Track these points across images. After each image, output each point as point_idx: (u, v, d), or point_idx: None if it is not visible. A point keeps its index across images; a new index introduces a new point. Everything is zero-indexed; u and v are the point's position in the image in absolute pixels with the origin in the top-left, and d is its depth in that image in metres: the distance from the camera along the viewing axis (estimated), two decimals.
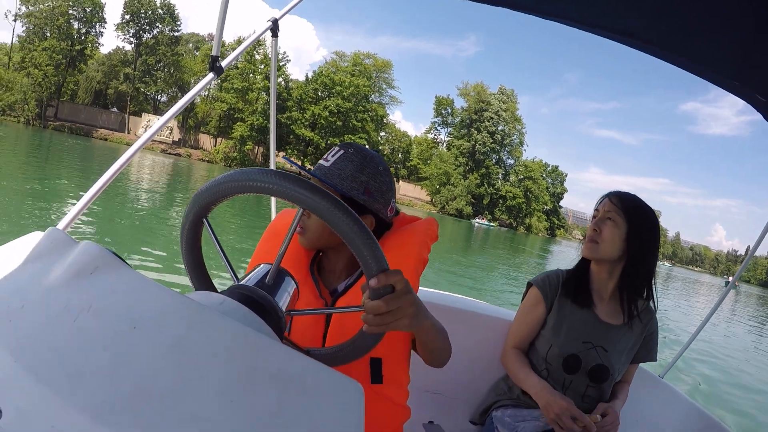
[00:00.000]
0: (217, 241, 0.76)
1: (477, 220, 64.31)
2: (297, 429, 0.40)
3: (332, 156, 1.10)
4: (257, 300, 0.63)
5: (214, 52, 1.70)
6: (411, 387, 1.26)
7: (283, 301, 0.69)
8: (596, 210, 1.62)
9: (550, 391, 1.51)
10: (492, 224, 64.77)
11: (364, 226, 0.68)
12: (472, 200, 64.25)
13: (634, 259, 1.56)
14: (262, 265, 0.74)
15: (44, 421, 0.37)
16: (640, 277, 1.58)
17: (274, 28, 2.04)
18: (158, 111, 60.77)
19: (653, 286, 1.62)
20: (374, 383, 1.08)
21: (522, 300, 1.75)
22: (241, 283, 0.69)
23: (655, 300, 1.65)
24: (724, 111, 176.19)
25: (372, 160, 1.11)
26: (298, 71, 58.49)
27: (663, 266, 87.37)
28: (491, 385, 1.82)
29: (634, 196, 1.62)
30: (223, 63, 1.70)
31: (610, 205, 1.57)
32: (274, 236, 1.20)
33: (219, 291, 0.67)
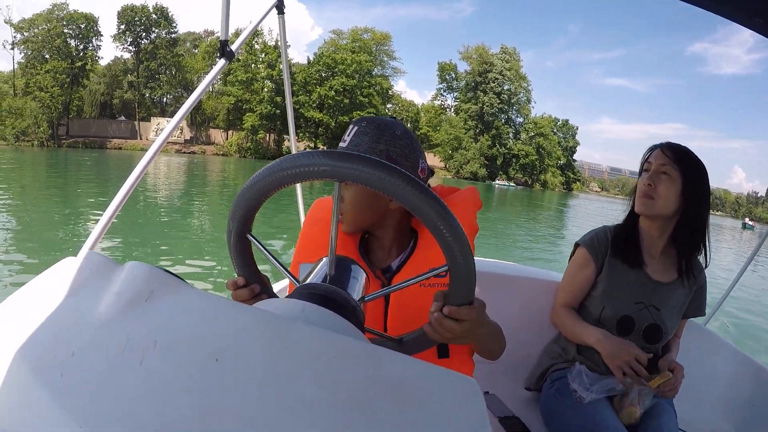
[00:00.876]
0: (266, 250, 0.74)
1: (497, 182, 64.93)
2: None
3: (348, 135, 1.09)
4: (333, 298, 0.59)
5: (222, 37, 1.67)
6: None
7: (356, 291, 0.65)
8: (647, 162, 1.57)
9: (613, 339, 1.52)
10: (511, 185, 65.35)
11: (469, 250, 0.67)
12: (486, 162, 64.79)
13: (688, 214, 1.53)
14: (324, 259, 0.69)
15: None
16: (694, 232, 1.55)
17: (280, 5, 2.03)
18: (165, 113, 62.02)
19: (707, 239, 1.58)
20: (441, 358, 1.10)
21: (570, 260, 1.73)
22: (309, 281, 0.65)
23: (708, 254, 1.61)
24: (734, 50, 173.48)
25: (387, 127, 1.08)
26: (296, 54, 59.55)
27: None
28: (543, 350, 1.80)
29: (686, 147, 1.56)
30: (233, 47, 1.68)
31: (664, 158, 1.52)
32: (313, 227, 1.19)
33: (287, 294, 0.65)
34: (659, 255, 1.61)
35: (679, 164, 1.50)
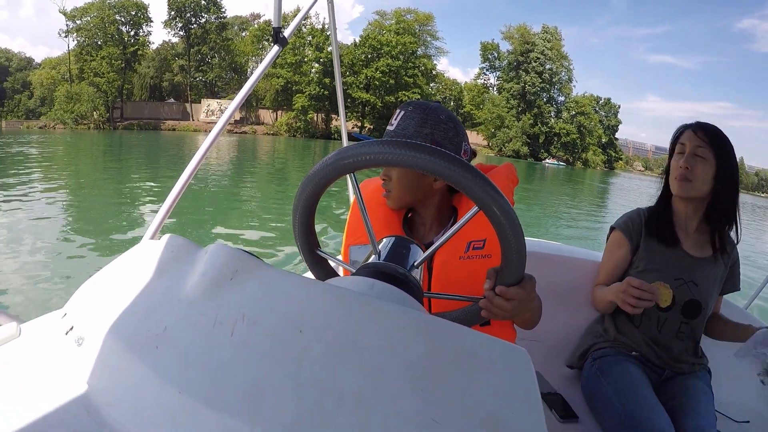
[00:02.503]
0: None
1: (547, 161, 66.99)
2: (485, 404, 0.41)
3: (395, 119, 1.16)
4: (395, 275, 0.66)
5: (275, 24, 1.74)
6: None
7: (409, 262, 0.72)
8: (680, 144, 1.61)
9: (614, 285, 1.59)
10: (561, 163, 67.09)
11: (521, 233, 0.71)
12: (528, 140, 66.66)
13: (721, 193, 1.60)
14: (385, 239, 0.77)
15: None
16: (727, 210, 1.62)
17: None
18: (215, 95, 65.66)
19: (738, 215, 1.65)
20: (483, 325, 1.15)
21: (606, 243, 1.80)
22: (372, 260, 0.73)
23: (739, 229, 1.68)
24: None
25: (433, 112, 1.15)
26: (339, 33, 62.85)
27: None
28: (586, 329, 1.86)
29: (716, 127, 1.61)
30: (286, 33, 1.75)
31: (699, 140, 1.57)
32: (378, 204, 1.25)
33: (353, 272, 0.71)
34: (693, 232, 1.67)
35: (712, 146, 1.56)
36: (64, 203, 10.84)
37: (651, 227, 1.71)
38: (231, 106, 1.67)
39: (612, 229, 1.80)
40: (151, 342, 0.43)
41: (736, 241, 1.74)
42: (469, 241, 1.15)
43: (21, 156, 22.20)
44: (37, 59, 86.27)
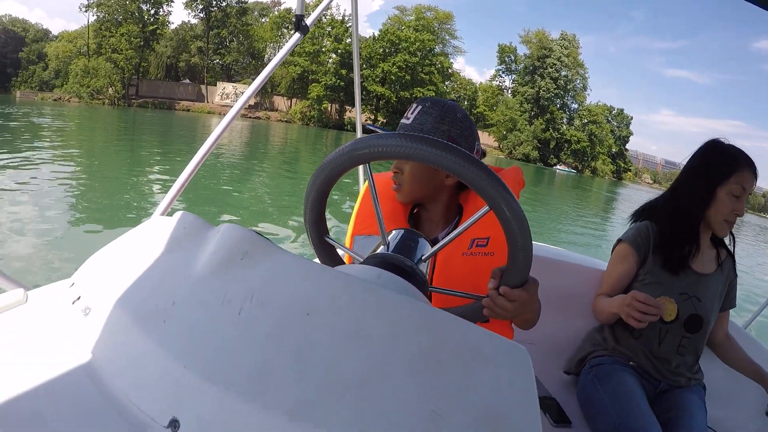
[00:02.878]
0: (377, 204, 0.82)
1: (558, 167, 67.86)
2: (485, 399, 0.42)
3: (412, 113, 1.18)
4: (402, 267, 0.67)
5: (297, 11, 1.77)
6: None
7: (416, 255, 0.74)
8: (741, 187, 1.58)
9: (617, 297, 1.59)
10: (572, 170, 68.00)
11: (530, 237, 0.72)
12: (538, 145, 67.29)
13: None
14: (393, 231, 0.79)
15: (232, 427, 0.37)
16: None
17: None
18: (231, 78, 66.43)
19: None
20: (482, 324, 1.14)
21: (611, 255, 1.79)
22: (380, 251, 0.74)
23: (734, 246, 1.76)
24: None
25: (450, 109, 1.17)
26: (345, 14, 63.64)
27: None
28: (585, 336, 1.87)
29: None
30: (308, 21, 1.79)
31: (752, 186, 1.58)
32: (370, 202, 1.28)
33: (361, 261, 0.72)
34: (701, 252, 1.69)
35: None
36: (77, 176, 11.09)
37: (664, 250, 1.68)
38: (248, 90, 1.68)
39: (619, 241, 1.79)
40: (158, 316, 0.44)
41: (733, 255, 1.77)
42: (473, 239, 1.17)
43: (40, 127, 22.66)
44: (54, 31, 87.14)
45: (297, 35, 1.79)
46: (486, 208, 0.70)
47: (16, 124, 23.02)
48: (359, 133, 2.41)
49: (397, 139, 0.67)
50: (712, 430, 1.71)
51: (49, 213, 7.39)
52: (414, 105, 1.19)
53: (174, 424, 0.38)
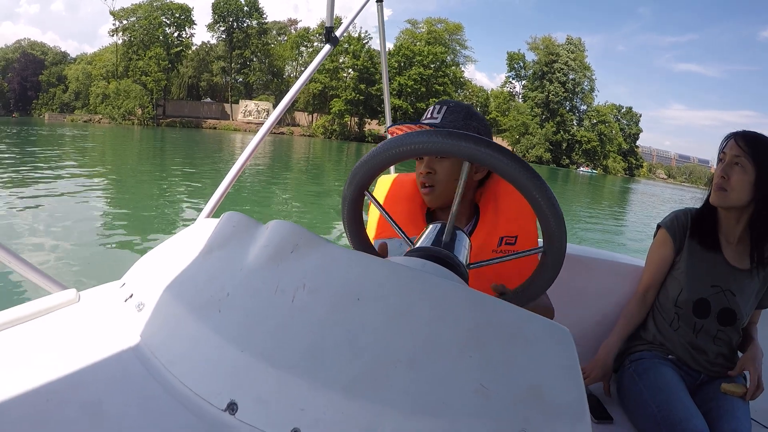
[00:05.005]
0: (384, 210, 0.86)
1: (581, 169, 72.10)
2: (530, 375, 0.45)
3: (438, 113, 1.22)
4: (445, 258, 0.68)
5: (327, 24, 1.90)
6: None
7: (463, 255, 0.74)
8: (722, 153, 1.62)
9: (597, 360, 1.73)
10: (594, 171, 72.18)
11: (565, 240, 0.77)
12: (550, 147, 71.82)
13: (762, 203, 1.59)
14: (431, 226, 0.80)
15: (290, 405, 0.39)
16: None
17: None
18: (251, 96, 71.89)
19: None
20: None
21: (653, 241, 1.85)
22: (420, 245, 0.74)
23: None
24: None
25: (470, 108, 1.25)
26: (361, 30, 69.07)
27: None
28: None
29: (762, 136, 1.59)
30: (337, 33, 1.90)
31: (737, 149, 1.57)
32: (397, 204, 1.33)
33: (404, 254, 0.73)
34: (736, 242, 1.69)
35: (753, 155, 1.55)
36: (119, 191, 12.53)
37: (694, 229, 1.75)
38: (282, 103, 1.85)
39: (658, 227, 1.84)
40: (213, 306, 0.47)
41: None
42: (501, 236, 1.24)
43: (82, 147, 25.60)
44: (70, 53, 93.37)
45: (327, 47, 1.95)
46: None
47: (61, 144, 25.95)
48: (388, 122, 2.55)
49: (456, 138, 0.69)
50: (756, 422, 1.75)
51: (94, 225, 8.28)
52: (437, 106, 1.25)
53: (232, 406, 0.41)
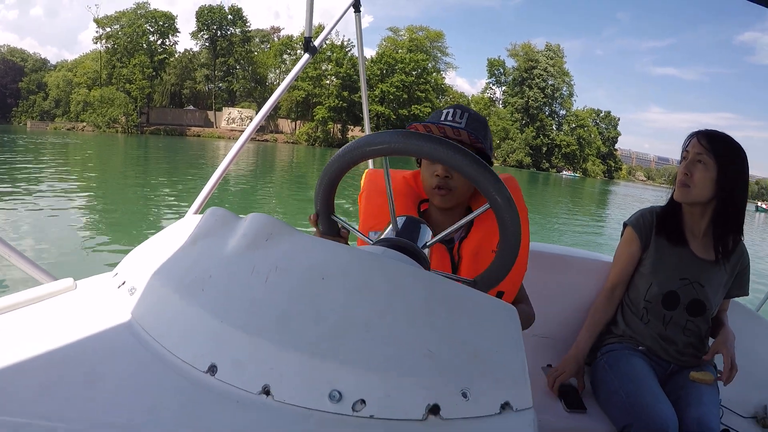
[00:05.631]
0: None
1: (564, 173, 74.37)
2: (474, 343, 0.52)
3: (460, 117, 1.30)
4: (405, 247, 0.77)
5: (306, 34, 1.99)
6: (524, 333, 1.64)
7: (421, 242, 0.84)
8: (685, 151, 1.71)
9: (567, 359, 1.82)
10: (576, 174, 74.59)
11: (519, 230, 0.84)
12: (530, 151, 74.00)
13: (724, 199, 1.69)
14: (398, 218, 0.88)
15: (261, 365, 0.46)
16: (731, 216, 1.72)
17: (357, 4, 2.40)
18: (234, 103, 72.72)
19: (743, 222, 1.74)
20: None
21: (620, 240, 1.94)
22: (385, 236, 0.83)
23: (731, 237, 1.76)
24: None
25: (486, 121, 1.37)
26: (344, 38, 70.48)
27: None
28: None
29: (723, 134, 1.69)
30: (316, 42, 2.00)
31: (700, 147, 1.66)
32: (379, 197, 1.40)
33: (371, 242, 0.81)
34: (702, 235, 1.77)
35: (713, 152, 1.64)
36: (109, 196, 13.37)
37: (660, 226, 1.82)
38: (261, 111, 1.94)
39: (625, 225, 1.92)
40: (197, 285, 0.54)
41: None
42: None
43: (70, 155, 26.38)
44: (49, 60, 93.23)
45: (306, 56, 2.05)
46: (486, 206, 0.82)
47: (51, 152, 26.51)
48: (367, 129, 2.81)
49: (402, 138, 0.79)
50: (727, 409, 1.83)
51: (90, 223, 9.22)
52: (457, 111, 1.33)
53: (212, 368, 0.48)
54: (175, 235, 0.69)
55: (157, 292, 0.57)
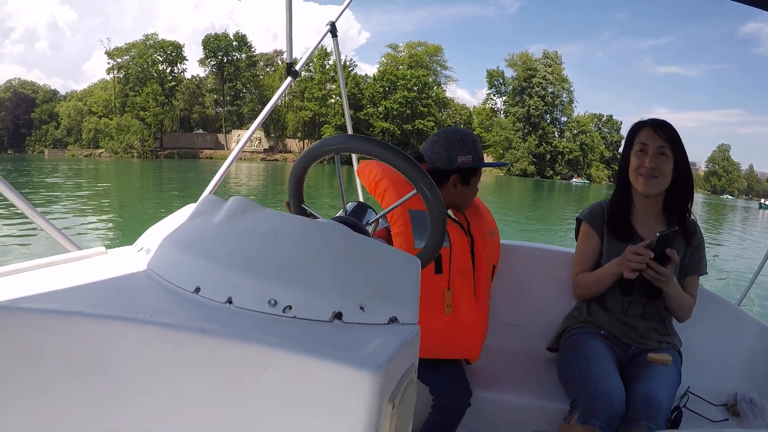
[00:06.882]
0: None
1: (574, 180, 76.33)
2: (378, 279, 0.75)
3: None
4: (349, 222, 1.02)
5: (287, 60, 2.30)
6: (494, 320, 2.01)
7: (365, 222, 1.11)
8: (641, 143, 1.80)
9: (616, 259, 1.79)
10: (585, 181, 76.48)
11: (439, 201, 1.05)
12: (534, 160, 76.35)
13: (678, 182, 1.81)
14: (349, 204, 1.15)
15: (228, 286, 0.71)
16: (685, 195, 1.85)
17: (333, 30, 2.62)
18: (242, 125, 75.73)
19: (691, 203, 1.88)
20: (437, 273, 1.68)
21: (576, 235, 2.03)
22: (338, 215, 1.08)
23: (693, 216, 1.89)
24: None
25: (437, 134, 1.79)
26: (346, 58, 73.75)
27: (735, 201, 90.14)
28: (565, 315, 2.09)
29: (671, 124, 1.81)
30: (297, 66, 2.28)
31: (660, 140, 1.77)
32: (395, 181, 1.70)
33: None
34: (652, 222, 1.87)
35: (672, 144, 1.77)
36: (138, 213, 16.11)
37: (610, 225, 1.90)
38: (249, 131, 2.33)
39: (579, 221, 2.01)
40: (192, 242, 0.80)
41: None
42: (489, 229, 1.91)
43: (98, 180, 29.05)
44: (59, 91, 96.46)
45: (288, 79, 2.33)
46: (414, 191, 1.04)
47: (86, 176, 29.27)
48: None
49: (346, 140, 1.05)
50: (698, 397, 1.95)
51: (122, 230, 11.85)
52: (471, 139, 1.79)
53: (197, 289, 0.72)
54: (177, 217, 1.01)
55: (163, 249, 0.83)
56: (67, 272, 0.86)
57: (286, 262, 0.73)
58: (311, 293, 0.70)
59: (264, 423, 0.61)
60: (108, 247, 1.02)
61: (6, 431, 0.65)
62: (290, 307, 0.69)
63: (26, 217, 1.50)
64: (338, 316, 0.69)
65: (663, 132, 1.78)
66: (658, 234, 1.66)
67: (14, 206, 1.53)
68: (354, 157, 2.51)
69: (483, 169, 1.82)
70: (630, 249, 1.69)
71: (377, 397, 0.58)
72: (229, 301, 0.70)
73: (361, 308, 0.70)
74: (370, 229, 1.07)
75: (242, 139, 2.23)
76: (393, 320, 0.72)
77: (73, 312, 0.64)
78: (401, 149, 1.00)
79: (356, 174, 1.83)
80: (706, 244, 1.97)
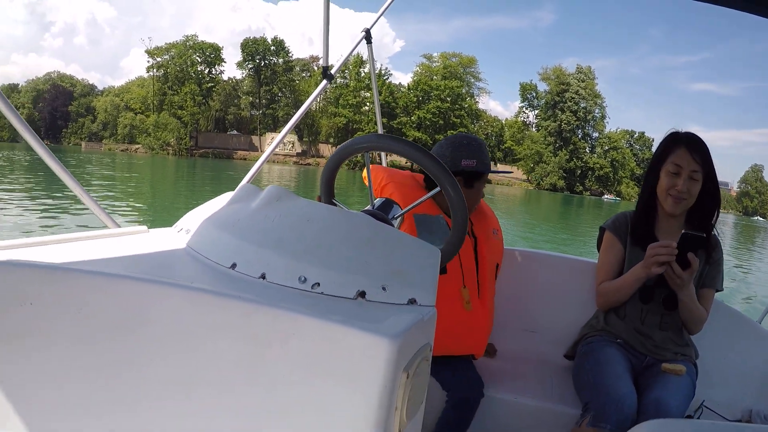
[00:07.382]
0: (369, 176, 1.34)
1: (605, 197, 76.14)
2: (399, 264, 0.82)
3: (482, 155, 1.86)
4: (375, 214, 1.08)
5: (323, 63, 2.38)
6: (513, 326, 2.22)
7: (391, 216, 1.15)
8: (675, 164, 1.78)
9: (640, 262, 1.78)
10: (617, 198, 76.31)
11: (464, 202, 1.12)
12: (564, 174, 76.59)
13: (706, 198, 1.82)
14: (377, 200, 1.20)
15: (262, 263, 0.77)
16: (710, 210, 1.85)
17: (368, 36, 2.69)
18: (276, 128, 77.39)
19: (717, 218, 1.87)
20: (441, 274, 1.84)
21: (598, 245, 2.04)
22: (366, 209, 1.14)
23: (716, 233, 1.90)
24: None
25: (445, 140, 1.90)
26: (381, 66, 75.81)
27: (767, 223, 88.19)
28: (583, 324, 2.10)
29: (703, 141, 1.80)
30: (333, 70, 2.38)
31: (695, 164, 1.75)
32: (401, 186, 1.84)
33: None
34: (676, 231, 1.84)
35: (704, 166, 1.76)
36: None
37: (634, 234, 1.91)
38: (285, 128, 2.46)
39: (602, 229, 2.03)
40: (230, 224, 0.86)
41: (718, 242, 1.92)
42: (492, 229, 2.00)
43: (149, 171, 31.06)
44: (97, 86, 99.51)
45: (324, 82, 2.43)
46: (438, 188, 1.11)
47: (135, 169, 30.78)
48: (384, 162, 3.27)
49: (376, 139, 1.14)
50: (712, 411, 1.92)
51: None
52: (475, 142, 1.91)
53: (234, 265, 0.79)
54: (216, 203, 1.10)
55: (202, 230, 0.90)
56: (112, 244, 0.95)
57: (316, 244, 0.79)
58: (338, 272, 0.77)
59: (285, 387, 0.65)
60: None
61: (52, 380, 0.69)
62: (318, 284, 0.75)
63: (61, 197, 2.10)
64: (362, 294, 0.76)
65: (698, 155, 1.77)
66: (683, 231, 1.68)
67: (55, 185, 2.09)
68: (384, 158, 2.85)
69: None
70: (654, 245, 1.71)
71: (393, 364, 0.63)
72: (263, 277, 0.76)
73: (383, 288, 0.78)
74: (395, 223, 1.16)
75: (276, 138, 2.38)
76: (412, 301, 0.79)
77: (119, 275, 0.68)
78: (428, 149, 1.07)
79: (362, 179, 1.93)
80: (734, 267, 2.52)
